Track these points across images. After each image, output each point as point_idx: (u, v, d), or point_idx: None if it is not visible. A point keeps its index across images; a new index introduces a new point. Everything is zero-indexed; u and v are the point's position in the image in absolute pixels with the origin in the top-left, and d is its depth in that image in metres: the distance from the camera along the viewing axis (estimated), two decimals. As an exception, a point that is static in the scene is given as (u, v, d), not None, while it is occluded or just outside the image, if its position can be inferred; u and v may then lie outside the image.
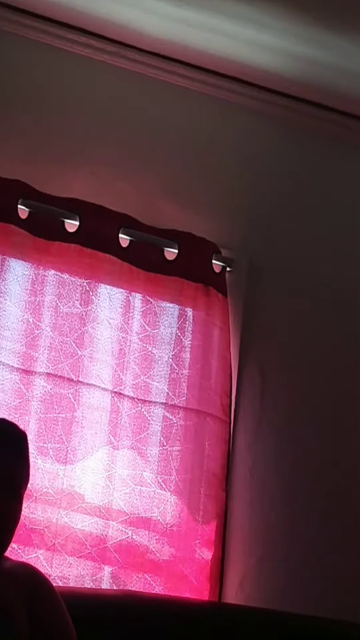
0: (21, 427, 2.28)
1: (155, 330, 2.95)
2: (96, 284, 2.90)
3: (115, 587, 2.76)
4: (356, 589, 3.05)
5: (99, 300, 2.89)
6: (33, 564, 2.28)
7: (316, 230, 3.28)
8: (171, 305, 3.00)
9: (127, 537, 2.80)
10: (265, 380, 3.11)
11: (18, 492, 2.12)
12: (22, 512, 2.63)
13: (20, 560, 2.44)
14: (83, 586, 2.70)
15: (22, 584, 2.08)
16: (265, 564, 2.99)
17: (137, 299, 2.95)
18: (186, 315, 3.00)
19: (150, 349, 2.93)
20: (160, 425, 2.90)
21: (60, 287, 2.85)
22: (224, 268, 3.12)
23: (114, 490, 2.80)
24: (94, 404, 2.82)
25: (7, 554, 2.16)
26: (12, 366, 2.74)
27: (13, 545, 2.58)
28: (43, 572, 2.20)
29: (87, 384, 2.82)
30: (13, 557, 2.24)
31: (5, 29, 2.98)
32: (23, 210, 2.84)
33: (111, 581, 2.77)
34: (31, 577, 2.12)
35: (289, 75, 3.13)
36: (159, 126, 3.13)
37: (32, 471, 2.69)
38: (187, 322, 3.00)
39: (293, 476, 3.08)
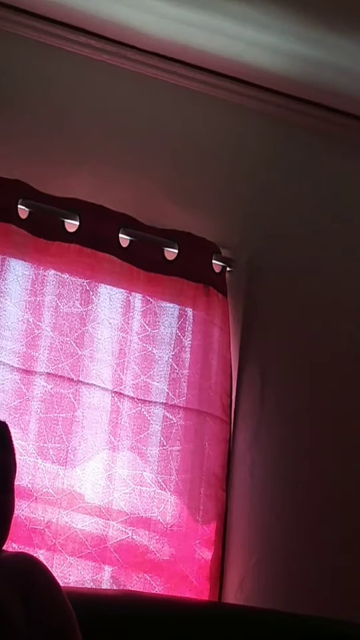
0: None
1: (155, 330, 2.96)
2: (96, 283, 2.90)
3: (115, 587, 2.76)
4: (356, 589, 3.05)
5: (99, 300, 2.89)
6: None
7: (316, 229, 3.28)
8: (171, 305, 3.00)
9: (127, 537, 2.80)
10: (265, 380, 3.11)
11: (8, 483, 2.10)
12: (23, 512, 2.67)
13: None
14: (83, 586, 2.70)
15: (18, 574, 2.05)
16: (265, 564, 2.99)
17: (137, 299, 2.95)
18: (186, 315, 3.00)
19: (150, 349, 2.93)
20: (160, 425, 2.90)
21: (60, 287, 2.85)
22: (224, 268, 3.12)
23: (114, 490, 2.80)
24: (94, 404, 2.82)
25: (7, 553, 2.15)
26: (13, 366, 2.74)
27: (14, 545, 2.59)
28: (41, 561, 2.19)
29: (88, 383, 2.82)
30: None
31: (5, 29, 2.98)
32: (23, 210, 2.84)
33: (111, 581, 2.77)
34: (27, 566, 2.09)
35: (289, 75, 3.13)
36: (159, 126, 3.13)
37: (32, 471, 2.72)
38: (187, 322, 3.00)
39: (293, 476, 3.08)
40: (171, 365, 2.95)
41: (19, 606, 1.99)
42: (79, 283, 2.88)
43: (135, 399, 2.88)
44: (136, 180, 3.06)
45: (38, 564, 2.14)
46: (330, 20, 2.84)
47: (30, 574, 2.07)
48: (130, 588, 2.77)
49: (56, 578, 2.14)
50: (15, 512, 2.14)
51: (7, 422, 2.17)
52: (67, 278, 2.87)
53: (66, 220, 2.89)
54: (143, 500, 2.84)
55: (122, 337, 2.90)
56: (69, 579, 2.70)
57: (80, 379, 2.82)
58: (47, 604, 2.05)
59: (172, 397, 2.93)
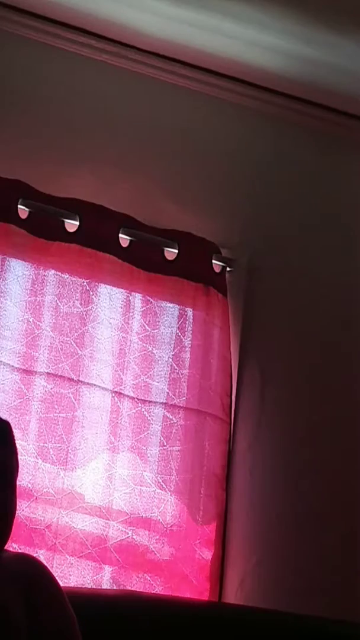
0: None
1: (155, 330, 2.96)
2: (96, 283, 2.90)
3: (115, 587, 2.76)
4: (356, 589, 3.05)
5: (99, 300, 2.89)
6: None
7: (316, 230, 3.28)
8: (171, 305, 3.00)
9: (128, 537, 2.80)
10: (265, 380, 3.11)
11: (10, 481, 2.10)
12: (23, 512, 2.67)
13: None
14: (83, 586, 2.70)
15: (20, 575, 2.05)
16: (266, 564, 2.99)
17: (137, 299, 2.95)
18: (186, 315, 3.00)
19: (150, 348, 2.93)
20: (161, 425, 2.90)
21: (61, 287, 2.85)
22: (224, 268, 3.12)
23: (114, 490, 2.80)
24: (95, 404, 2.82)
25: (8, 553, 2.15)
26: (13, 366, 2.74)
27: (14, 545, 2.59)
28: (43, 563, 2.19)
29: (88, 383, 2.82)
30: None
31: (5, 29, 2.98)
32: (23, 210, 2.84)
33: (111, 581, 2.77)
34: (29, 567, 2.08)
35: (289, 75, 3.13)
36: (159, 126, 3.13)
37: (32, 471, 2.72)
38: (187, 322, 3.00)
39: (293, 476, 3.08)
40: (171, 365, 2.95)
41: (20, 607, 1.99)
42: (79, 283, 2.88)
43: (135, 399, 2.88)
44: (136, 180, 3.06)
45: (39, 565, 2.14)
46: (330, 20, 2.84)
47: (32, 576, 2.07)
48: (130, 588, 2.77)
49: (57, 579, 2.14)
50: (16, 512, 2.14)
51: (9, 421, 2.17)
52: (67, 278, 2.87)
53: (66, 220, 2.89)
54: (143, 500, 2.84)
55: (122, 337, 2.90)
56: (70, 579, 2.70)
57: (81, 379, 2.82)
58: (49, 605, 2.05)
59: (172, 397, 2.93)
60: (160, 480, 2.87)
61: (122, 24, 2.98)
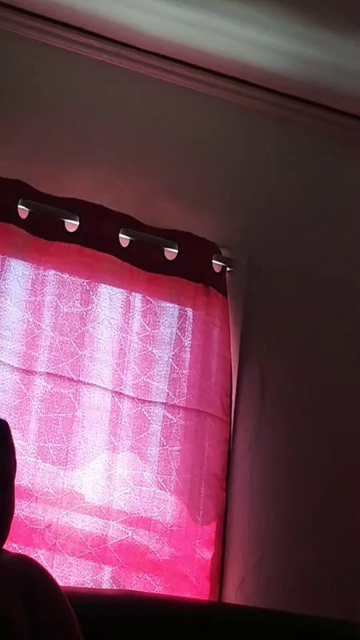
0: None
1: (155, 330, 2.96)
2: (96, 283, 2.90)
3: (115, 587, 2.76)
4: (356, 589, 3.05)
5: (99, 300, 2.89)
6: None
7: (316, 229, 3.28)
8: (171, 305, 3.00)
9: (128, 537, 2.80)
10: (265, 380, 3.11)
11: (9, 481, 2.10)
12: (23, 512, 2.67)
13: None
14: (83, 586, 2.70)
15: (19, 577, 2.05)
16: (265, 564, 2.99)
17: (137, 299, 2.95)
18: (186, 315, 3.00)
19: (150, 348, 2.93)
20: (161, 425, 2.90)
21: (61, 287, 2.86)
22: (224, 268, 3.12)
23: (114, 490, 2.80)
24: (95, 404, 2.82)
25: (8, 553, 2.15)
26: (13, 366, 2.74)
27: (14, 545, 2.59)
28: (41, 565, 2.19)
29: (88, 383, 2.82)
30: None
31: (5, 29, 2.98)
32: (23, 210, 2.84)
33: (111, 581, 2.77)
34: (28, 569, 2.08)
35: (289, 75, 3.13)
36: (159, 126, 3.13)
37: (32, 471, 2.72)
38: (187, 322, 3.00)
39: (293, 476, 3.08)
40: (171, 365, 2.95)
41: (20, 608, 1.99)
42: (79, 283, 2.88)
43: (135, 399, 2.88)
44: (136, 180, 3.06)
45: (38, 566, 2.14)
46: (330, 20, 2.84)
47: (31, 577, 2.07)
48: (130, 588, 2.77)
49: (55, 580, 2.14)
50: (15, 512, 2.14)
51: (7, 421, 2.17)
52: (67, 278, 2.87)
53: (66, 220, 2.89)
54: (143, 500, 2.84)
55: (122, 337, 2.90)
56: (69, 579, 2.70)
57: (81, 379, 2.82)
58: (48, 606, 2.05)
59: (172, 397, 2.93)
60: (160, 480, 2.87)
61: (122, 24, 2.98)
